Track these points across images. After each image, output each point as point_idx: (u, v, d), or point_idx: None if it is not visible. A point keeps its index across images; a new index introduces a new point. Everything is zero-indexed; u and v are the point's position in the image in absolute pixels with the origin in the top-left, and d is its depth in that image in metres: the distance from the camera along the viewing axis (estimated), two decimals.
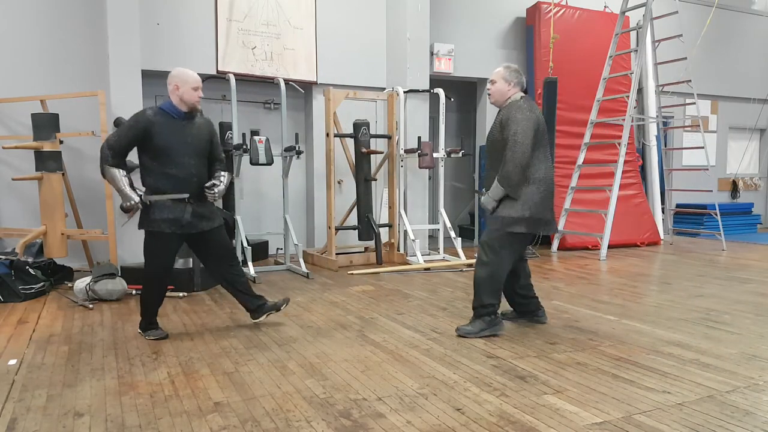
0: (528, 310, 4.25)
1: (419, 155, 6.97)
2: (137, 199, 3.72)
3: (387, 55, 7.86)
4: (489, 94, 4.01)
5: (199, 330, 4.10)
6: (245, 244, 6.17)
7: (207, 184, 3.88)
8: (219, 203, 7.23)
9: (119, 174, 3.77)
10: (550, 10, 8.35)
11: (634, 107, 8.40)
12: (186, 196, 3.79)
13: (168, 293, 5.13)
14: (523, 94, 3.92)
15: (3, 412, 2.70)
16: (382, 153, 7.14)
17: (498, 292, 3.91)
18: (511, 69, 3.94)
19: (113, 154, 3.75)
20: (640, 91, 9.36)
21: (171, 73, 3.83)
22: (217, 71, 6.91)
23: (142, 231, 3.81)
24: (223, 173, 4.02)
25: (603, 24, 8.76)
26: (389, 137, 7.12)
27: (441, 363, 3.36)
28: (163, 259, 3.89)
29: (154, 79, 6.73)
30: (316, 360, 3.43)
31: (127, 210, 3.74)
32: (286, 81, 6.77)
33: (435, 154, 7.18)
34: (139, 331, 3.98)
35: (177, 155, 3.76)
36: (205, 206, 3.93)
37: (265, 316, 4.17)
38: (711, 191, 9.27)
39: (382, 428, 2.50)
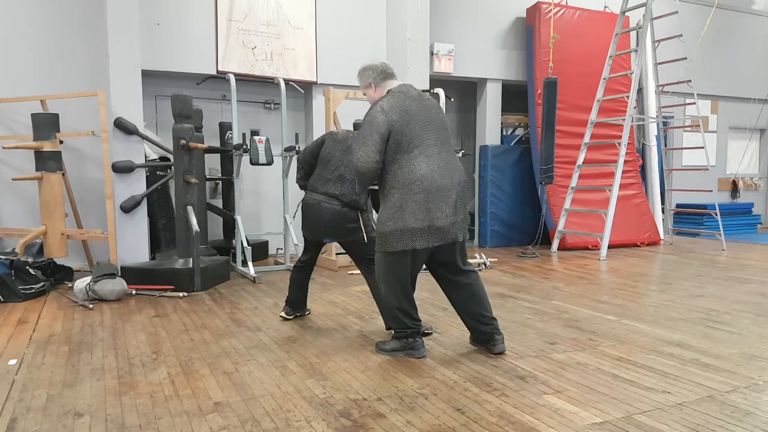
0: (481, 338, 3.58)
1: None
2: None
3: (387, 55, 7.86)
4: None
5: (199, 330, 4.10)
6: (245, 244, 6.17)
7: None
8: (219, 203, 7.30)
9: None
10: (550, 10, 8.35)
11: (634, 107, 8.39)
12: None
13: (168, 293, 5.18)
14: (390, 88, 3.46)
15: (3, 412, 2.70)
16: None
17: (399, 319, 3.43)
18: (360, 71, 3.59)
19: None
20: (640, 91, 9.36)
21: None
22: (217, 71, 6.91)
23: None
24: None
25: (603, 24, 8.76)
26: None
27: (441, 363, 3.36)
28: None
29: (154, 79, 6.74)
30: (316, 360, 3.43)
31: None
32: (286, 81, 6.77)
33: None
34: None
35: None
36: None
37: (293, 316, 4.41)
38: (711, 191, 9.27)
39: (382, 428, 2.50)
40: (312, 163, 4.13)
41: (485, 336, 3.53)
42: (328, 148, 4.06)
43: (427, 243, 3.28)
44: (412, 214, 3.25)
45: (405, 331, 3.47)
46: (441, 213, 3.27)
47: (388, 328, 3.80)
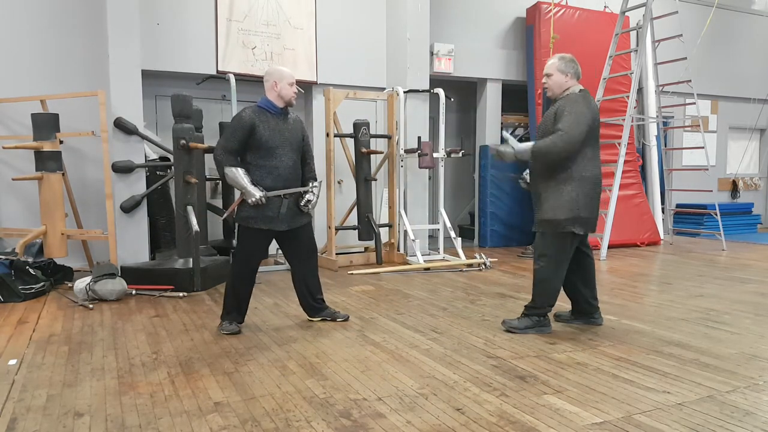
0: (586, 311, 4.18)
1: (419, 155, 6.96)
2: (259, 194, 3.81)
3: (387, 55, 7.86)
4: (545, 88, 3.95)
5: (199, 330, 4.10)
6: None
7: (302, 202, 4.01)
8: (219, 203, 7.29)
9: (240, 172, 3.87)
10: (550, 10, 8.35)
11: (634, 107, 8.39)
12: (305, 189, 4.00)
13: (168, 293, 5.18)
14: (581, 87, 3.88)
15: (3, 412, 2.70)
16: (382, 153, 7.14)
17: (551, 296, 3.94)
18: (566, 60, 3.88)
19: (227, 156, 3.89)
20: (640, 91, 9.35)
21: (267, 71, 4.00)
22: (217, 71, 6.90)
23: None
24: (315, 183, 4.15)
25: (603, 24, 8.76)
26: (389, 137, 7.13)
27: (441, 363, 3.36)
28: (253, 253, 4.03)
29: (154, 79, 6.74)
30: (316, 360, 3.43)
31: (255, 205, 3.85)
32: None
33: (435, 154, 7.18)
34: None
35: (277, 150, 3.91)
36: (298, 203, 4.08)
37: (320, 318, 4.33)
38: (711, 191, 9.27)
39: (382, 428, 2.50)
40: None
41: (590, 309, 4.17)
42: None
43: (590, 230, 3.95)
44: (588, 204, 3.80)
45: (541, 310, 3.94)
46: (597, 207, 3.90)
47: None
